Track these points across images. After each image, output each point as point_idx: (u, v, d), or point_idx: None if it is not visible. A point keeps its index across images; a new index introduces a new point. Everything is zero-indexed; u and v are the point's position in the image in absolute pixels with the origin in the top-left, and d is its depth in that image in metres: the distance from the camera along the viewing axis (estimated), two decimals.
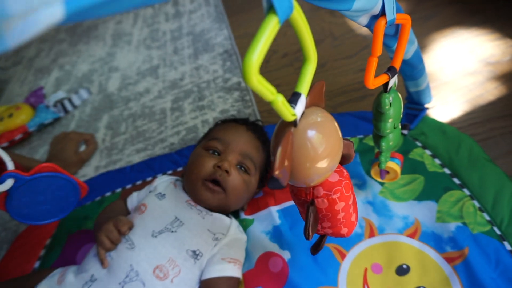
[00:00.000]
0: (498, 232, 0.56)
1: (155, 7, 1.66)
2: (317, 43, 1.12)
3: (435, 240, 0.58)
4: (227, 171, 0.63)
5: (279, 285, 0.59)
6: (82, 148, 1.02)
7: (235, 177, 0.64)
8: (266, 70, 1.10)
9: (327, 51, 1.08)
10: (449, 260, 0.56)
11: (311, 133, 0.33)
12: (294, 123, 0.32)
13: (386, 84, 0.48)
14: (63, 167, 0.97)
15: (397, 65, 0.47)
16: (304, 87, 0.32)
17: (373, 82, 0.45)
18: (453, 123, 0.76)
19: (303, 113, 0.33)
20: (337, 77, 0.98)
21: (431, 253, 0.57)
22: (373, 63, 0.43)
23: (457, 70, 0.87)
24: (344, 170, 0.39)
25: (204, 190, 0.63)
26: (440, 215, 0.61)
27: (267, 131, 0.75)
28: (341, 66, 1.01)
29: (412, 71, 0.62)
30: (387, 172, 0.60)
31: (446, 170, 0.67)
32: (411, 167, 0.68)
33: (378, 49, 0.42)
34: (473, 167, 0.65)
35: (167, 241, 0.60)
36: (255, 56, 0.24)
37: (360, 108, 0.88)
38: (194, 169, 0.64)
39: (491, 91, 0.80)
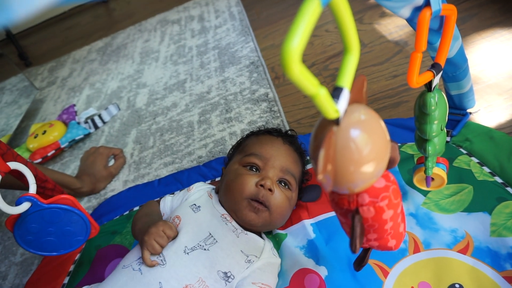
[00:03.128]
0: None
1: (181, 24, 1.69)
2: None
3: (492, 257, 0.52)
4: (270, 190, 0.60)
5: None
6: (111, 162, 1.02)
7: (278, 195, 0.61)
8: None
9: None
10: (510, 279, 0.49)
11: (355, 133, 0.30)
12: (336, 122, 0.29)
13: (430, 83, 0.44)
14: (93, 181, 0.98)
15: (442, 61, 0.44)
16: (346, 80, 0.29)
17: (417, 80, 0.41)
18: (500, 127, 0.70)
19: (345, 111, 0.30)
20: (369, 84, 0.94)
21: (488, 271, 0.51)
22: (417, 60, 0.39)
23: (500, 72, 0.81)
24: (390, 175, 0.35)
25: (249, 211, 0.60)
26: (495, 228, 0.54)
27: (302, 142, 0.72)
28: (372, 73, 0.97)
29: (455, 71, 0.57)
30: (433, 179, 0.55)
31: (498, 179, 0.61)
32: (457, 176, 0.63)
33: (423, 43, 0.38)
34: None
35: (199, 260, 0.57)
36: (296, 41, 0.22)
37: (395, 115, 0.83)
38: (236, 188, 0.61)
39: None
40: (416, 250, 0.56)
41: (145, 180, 0.94)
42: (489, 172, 0.62)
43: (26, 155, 1.14)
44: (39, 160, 1.10)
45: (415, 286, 0.53)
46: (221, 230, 0.60)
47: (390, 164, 0.37)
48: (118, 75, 1.51)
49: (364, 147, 0.30)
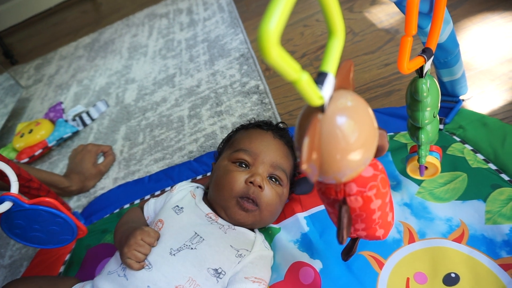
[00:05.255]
0: None
1: (169, 17, 1.66)
2: None
3: (487, 245, 0.51)
4: (260, 186, 0.58)
5: None
6: (101, 160, 1.00)
7: (269, 191, 0.59)
8: None
9: (347, 48, 1.03)
10: (505, 267, 0.49)
11: (341, 120, 0.28)
12: (321, 109, 0.27)
13: (422, 68, 0.43)
14: (82, 179, 0.96)
15: (433, 45, 0.42)
16: (331, 65, 0.27)
17: (408, 66, 0.39)
18: (494, 114, 0.69)
19: (330, 97, 0.28)
20: (360, 73, 0.93)
21: (483, 260, 0.50)
22: (408, 44, 0.38)
23: (492, 58, 0.80)
24: (379, 163, 0.34)
25: (239, 209, 0.59)
26: (490, 216, 0.54)
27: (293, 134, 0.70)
28: (364, 62, 0.96)
29: (446, 57, 0.56)
30: (426, 168, 0.54)
31: (492, 166, 0.60)
32: (451, 164, 0.62)
33: (413, 26, 0.37)
34: None
35: (187, 259, 0.55)
36: (273, 23, 0.20)
37: (387, 104, 0.82)
38: (225, 185, 0.60)
39: None
40: (411, 240, 0.55)
41: (136, 177, 0.92)
42: (483, 159, 0.61)
43: (12, 155, 1.11)
44: (26, 159, 1.08)
45: (411, 277, 0.52)
46: (206, 228, 0.59)
47: (379, 152, 0.36)
48: (106, 71, 1.47)
49: (351, 134, 0.28)
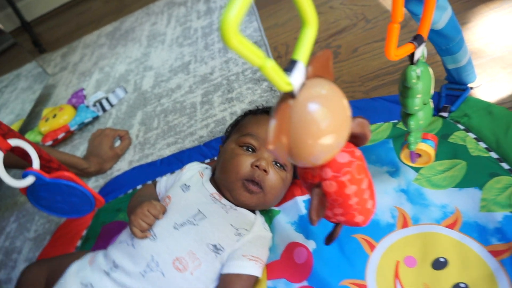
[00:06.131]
0: None
1: (187, 5, 1.69)
2: (349, 28, 1.07)
3: (479, 232, 0.52)
4: (265, 170, 0.61)
5: (302, 278, 0.56)
6: (117, 143, 1.05)
7: (273, 176, 0.62)
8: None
9: (359, 35, 1.02)
10: (495, 253, 0.49)
11: (312, 106, 0.30)
12: (291, 95, 0.29)
13: (412, 55, 0.43)
14: (99, 162, 1.01)
15: (424, 33, 0.42)
16: (302, 54, 0.29)
17: (396, 52, 0.40)
18: (502, 102, 0.68)
19: (304, 85, 0.30)
20: (370, 61, 0.92)
21: (474, 246, 0.51)
22: (394, 31, 0.39)
23: (506, 45, 0.78)
24: (356, 151, 0.36)
25: (244, 191, 0.62)
26: (485, 203, 0.54)
27: None
28: (374, 49, 0.95)
29: (448, 44, 0.55)
30: (419, 155, 0.54)
31: (493, 155, 0.59)
32: (451, 151, 0.62)
33: (399, 13, 0.38)
34: None
35: (188, 234, 0.59)
36: (234, 12, 0.22)
37: (394, 92, 0.82)
38: (231, 168, 0.62)
39: None
40: (405, 225, 0.56)
41: (149, 160, 0.97)
42: (485, 148, 0.61)
43: (38, 139, 1.19)
44: (50, 142, 1.15)
45: (401, 260, 0.53)
46: (210, 207, 0.62)
47: (361, 141, 0.38)
48: (126, 58, 1.53)
49: (322, 120, 0.30)
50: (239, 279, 0.57)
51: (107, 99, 1.26)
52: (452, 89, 0.72)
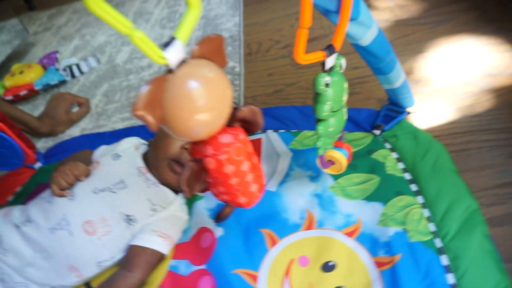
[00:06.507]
0: (439, 244, 0.52)
1: None
2: (321, 37, 1.09)
3: (371, 243, 0.55)
4: None
5: (203, 261, 0.58)
6: (75, 110, 1.06)
7: None
8: (263, 58, 1.08)
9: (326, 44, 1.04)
10: (378, 264, 0.52)
11: (191, 83, 0.32)
12: (169, 70, 0.31)
13: (324, 63, 0.46)
14: (52, 124, 1.02)
15: (337, 43, 0.45)
16: (181, 33, 0.31)
17: (304, 57, 0.42)
18: (431, 130, 0.71)
19: (185, 62, 0.32)
20: None
21: (363, 255, 0.53)
22: (302, 36, 0.41)
23: (453, 78, 0.81)
24: (241, 134, 0.38)
25: (168, 170, 0.63)
26: (384, 218, 0.57)
27: None
28: None
29: (377, 63, 0.58)
30: (332, 163, 0.57)
31: (407, 175, 0.62)
32: (370, 166, 0.65)
33: (307, 19, 0.40)
34: (435, 175, 0.60)
35: (105, 200, 0.61)
36: None
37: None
38: (161, 146, 0.64)
39: (482, 103, 0.74)
40: (309, 227, 0.59)
41: (101, 131, 0.98)
42: (402, 168, 0.64)
43: (0, 92, 1.19)
44: (10, 97, 1.15)
45: (296, 259, 0.55)
46: (133, 178, 0.63)
47: (253, 127, 0.40)
48: (108, 30, 1.53)
49: (199, 98, 0.32)
50: (144, 252, 0.58)
51: (78, 65, 1.27)
52: (391, 110, 0.75)
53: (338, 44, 0.45)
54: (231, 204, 0.42)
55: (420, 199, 0.58)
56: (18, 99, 1.18)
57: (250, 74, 1.04)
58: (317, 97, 0.48)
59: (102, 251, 0.60)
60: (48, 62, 1.27)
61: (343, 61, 0.48)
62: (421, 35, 0.96)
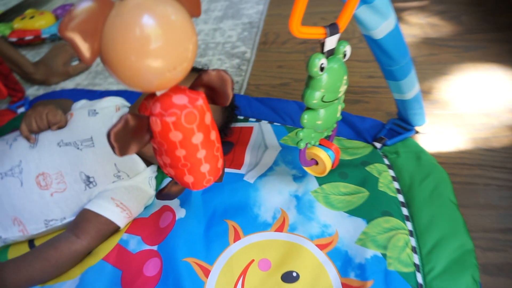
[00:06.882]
0: (420, 280, 0.45)
1: None
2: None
3: (344, 261, 0.48)
4: None
5: (156, 242, 0.52)
6: (75, 64, 1.02)
7: None
8: (277, 50, 1.03)
9: None
10: (346, 287, 0.45)
11: (145, 19, 0.26)
12: None
13: (323, 44, 0.40)
14: (47, 73, 0.97)
15: (342, 23, 0.39)
16: None
17: (300, 29, 0.37)
18: (438, 155, 0.64)
19: None
20: None
21: (331, 273, 0.47)
22: (300, 2, 0.35)
23: (473, 106, 0.74)
24: (199, 100, 0.32)
25: None
26: (364, 237, 0.50)
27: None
28: (351, 67, 0.91)
29: (390, 64, 0.52)
30: (315, 163, 0.50)
31: (400, 197, 0.56)
32: (362, 179, 0.58)
33: None
34: (431, 202, 0.53)
35: (67, 155, 0.56)
36: None
37: (349, 110, 0.78)
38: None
39: (499, 138, 0.67)
40: (280, 229, 0.53)
41: (95, 89, 0.93)
42: (397, 189, 0.57)
43: (6, 32, 1.15)
44: (15, 39, 1.11)
45: (256, 260, 0.49)
46: (103, 138, 0.58)
47: (221, 98, 0.34)
48: None
49: (152, 40, 0.26)
50: (96, 219, 0.53)
51: None
52: (398, 125, 0.68)
53: (343, 24, 0.39)
54: (178, 181, 0.36)
55: (409, 225, 0.51)
56: (23, 43, 1.15)
57: (259, 62, 0.98)
58: (309, 81, 0.42)
59: (52, 209, 0.54)
60: (62, 13, 1.23)
61: (347, 48, 0.42)
62: (448, 57, 0.89)
